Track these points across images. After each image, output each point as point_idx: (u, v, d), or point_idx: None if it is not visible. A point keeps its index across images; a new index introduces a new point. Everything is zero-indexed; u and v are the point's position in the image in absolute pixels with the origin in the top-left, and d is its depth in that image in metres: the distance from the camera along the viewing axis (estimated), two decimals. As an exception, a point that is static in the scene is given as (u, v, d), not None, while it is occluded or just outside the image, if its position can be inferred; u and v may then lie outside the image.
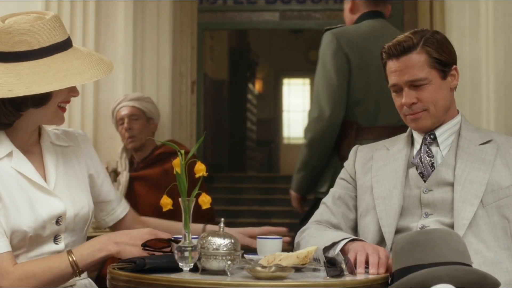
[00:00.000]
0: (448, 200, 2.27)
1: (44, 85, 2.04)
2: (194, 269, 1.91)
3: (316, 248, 2.06)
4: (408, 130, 2.47)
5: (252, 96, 14.36)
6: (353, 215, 2.44)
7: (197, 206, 1.98)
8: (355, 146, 2.57)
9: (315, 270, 2.07)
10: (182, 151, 1.99)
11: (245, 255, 2.14)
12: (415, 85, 2.31)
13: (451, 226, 2.24)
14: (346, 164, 2.54)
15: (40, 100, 2.10)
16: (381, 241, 2.29)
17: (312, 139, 3.49)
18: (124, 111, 4.05)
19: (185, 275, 1.87)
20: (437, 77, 2.32)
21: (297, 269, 1.98)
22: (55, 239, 2.16)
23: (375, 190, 2.37)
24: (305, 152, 3.54)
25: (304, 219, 3.43)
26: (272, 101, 15.65)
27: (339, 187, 2.50)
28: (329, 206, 2.46)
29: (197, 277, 1.86)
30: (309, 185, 3.64)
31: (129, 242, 2.07)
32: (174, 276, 1.85)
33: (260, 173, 13.48)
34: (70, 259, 2.04)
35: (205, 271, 1.91)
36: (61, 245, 2.15)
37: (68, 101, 2.19)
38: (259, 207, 10.08)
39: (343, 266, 1.95)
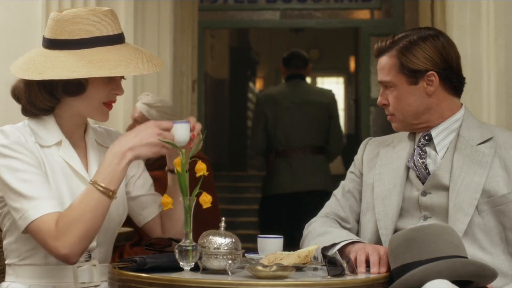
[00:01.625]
0: (444, 205, 2.25)
1: (70, 72, 2.06)
2: (195, 268, 1.90)
3: (317, 247, 2.06)
4: None
5: (253, 95, 14.34)
6: (360, 209, 2.44)
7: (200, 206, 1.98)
8: (366, 140, 2.53)
9: (315, 269, 2.07)
10: (183, 150, 1.98)
11: (245, 254, 2.14)
12: (385, 86, 2.33)
13: None
14: (355, 157, 2.52)
15: (72, 88, 2.11)
16: (378, 242, 2.28)
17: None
18: (134, 113, 4.04)
19: (186, 275, 1.87)
20: (404, 82, 2.29)
21: (298, 268, 1.98)
22: None
23: (375, 190, 2.36)
24: None
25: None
26: (273, 100, 15.61)
27: (349, 180, 2.49)
28: (339, 199, 2.46)
29: (198, 276, 1.86)
30: None
31: (142, 143, 2.05)
32: (175, 275, 1.85)
33: (261, 172, 13.46)
34: (100, 188, 2.02)
35: (206, 270, 1.91)
36: (93, 243, 2.14)
37: (112, 100, 2.18)
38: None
39: (344, 265, 1.95)
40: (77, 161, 2.16)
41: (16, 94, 2.19)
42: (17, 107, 3.59)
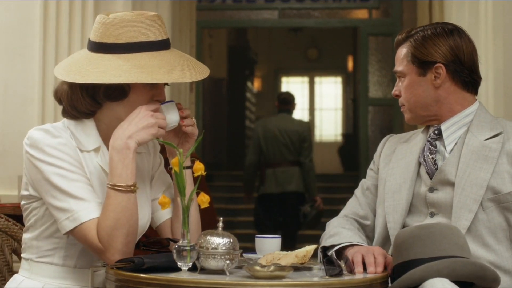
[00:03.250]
0: (450, 202, 2.23)
1: (112, 76, 2.05)
2: (193, 269, 1.90)
3: (315, 247, 2.06)
4: None
5: (251, 94, 14.35)
6: None
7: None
8: (386, 137, 2.53)
9: (311, 269, 2.06)
10: (181, 150, 1.98)
11: (243, 254, 2.14)
12: (399, 76, 2.37)
13: None
14: (375, 154, 2.52)
15: (115, 94, 2.10)
16: (388, 236, 2.28)
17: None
18: None
19: (184, 275, 1.86)
20: (413, 73, 2.32)
21: (296, 268, 1.97)
22: None
23: (387, 184, 2.35)
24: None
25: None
26: (271, 99, 15.63)
27: (368, 178, 2.49)
28: (358, 197, 2.46)
29: (196, 276, 1.85)
30: None
31: (138, 128, 2.05)
32: (172, 275, 1.85)
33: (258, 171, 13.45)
34: (121, 189, 2.02)
35: (203, 271, 1.90)
36: None
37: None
38: (258, 206, 10.05)
39: (342, 265, 1.95)
40: None
41: (58, 96, 2.17)
42: (17, 105, 3.61)
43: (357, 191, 2.49)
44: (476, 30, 3.97)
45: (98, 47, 2.12)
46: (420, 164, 2.32)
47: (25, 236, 2.18)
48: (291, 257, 1.98)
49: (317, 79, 15.83)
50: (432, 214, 2.27)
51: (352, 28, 10.93)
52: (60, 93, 2.17)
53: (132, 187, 2.03)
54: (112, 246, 1.99)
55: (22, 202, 2.17)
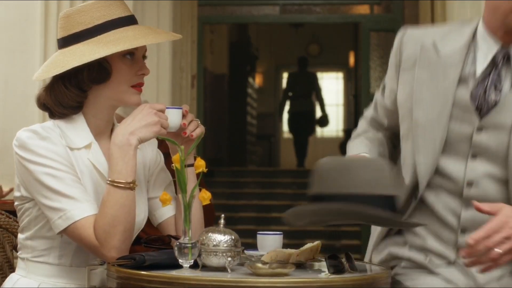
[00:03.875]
0: (503, 147, 1.95)
1: (91, 54, 2.04)
2: (194, 266, 1.90)
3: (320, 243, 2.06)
4: (474, 25, 2.04)
5: (252, 90, 14.34)
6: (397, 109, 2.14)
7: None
8: (401, 32, 2.16)
9: (315, 266, 2.06)
10: (182, 147, 1.97)
11: (245, 251, 2.13)
12: None
13: (503, 179, 1.99)
14: (390, 58, 2.18)
15: (98, 75, 2.09)
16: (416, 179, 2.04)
17: None
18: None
19: (185, 272, 1.86)
20: None
21: (298, 266, 1.97)
22: None
23: (414, 114, 2.03)
24: None
25: None
26: (272, 95, 15.64)
27: (381, 92, 2.25)
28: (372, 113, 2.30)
29: (197, 273, 1.84)
30: None
31: (141, 125, 2.03)
32: (174, 272, 1.84)
33: (260, 167, 13.47)
34: (120, 185, 2.01)
35: (205, 268, 1.89)
36: None
37: (140, 82, 2.15)
38: (259, 202, 10.07)
39: (344, 262, 1.94)
40: (105, 166, 2.12)
41: (42, 101, 2.16)
42: (17, 102, 3.59)
43: (367, 112, 2.30)
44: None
45: (69, 40, 2.12)
46: (458, 89, 1.97)
47: (20, 236, 2.18)
48: (306, 252, 2.00)
49: (319, 75, 15.83)
50: (474, 156, 1.99)
51: (353, 23, 10.92)
52: (42, 98, 2.16)
53: (131, 184, 2.02)
54: (109, 243, 1.98)
55: (16, 203, 2.17)
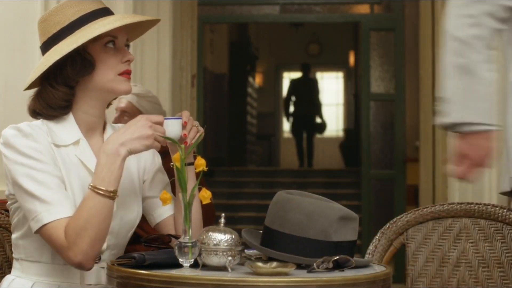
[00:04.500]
0: None
1: (70, 44, 2.05)
2: (195, 265, 1.89)
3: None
4: None
5: (252, 89, 14.35)
6: None
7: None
8: None
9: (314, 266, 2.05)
10: (182, 146, 1.96)
11: (245, 250, 2.12)
12: None
13: None
14: None
15: (81, 67, 2.09)
16: None
17: None
18: (121, 104, 3.93)
19: (185, 271, 1.85)
20: None
21: (299, 265, 1.96)
22: None
23: None
24: None
25: None
26: (272, 94, 15.65)
27: None
28: None
29: (198, 273, 1.83)
30: None
31: (133, 136, 2.00)
32: (174, 272, 1.83)
33: (260, 167, 13.47)
34: (100, 192, 1.98)
35: (205, 267, 1.89)
36: (103, 246, 2.10)
37: (127, 69, 2.13)
38: (259, 201, 10.06)
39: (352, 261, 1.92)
40: (93, 162, 2.10)
41: (32, 108, 2.16)
42: (17, 100, 3.58)
43: None
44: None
45: (49, 43, 2.13)
46: None
47: (12, 236, 2.17)
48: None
49: (319, 75, 15.84)
50: None
51: (353, 23, 10.91)
52: (32, 105, 2.15)
53: (112, 194, 1.99)
54: (77, 245, 1.95)
55: (8, 203, 2.16)
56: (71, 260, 1.97)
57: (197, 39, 5.79)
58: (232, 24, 12.36)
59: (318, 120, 13.48)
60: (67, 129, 2.12)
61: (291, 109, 13.14)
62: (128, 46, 2.19)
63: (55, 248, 2.00)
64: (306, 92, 12.97)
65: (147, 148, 2.03)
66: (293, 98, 13.08)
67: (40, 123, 2.12)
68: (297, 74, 15.09)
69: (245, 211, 9.80)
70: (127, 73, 2.14)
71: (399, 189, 7.38)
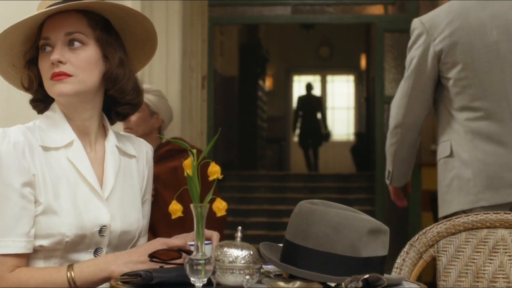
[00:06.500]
0: None
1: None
2: (208, 284, 1.70)
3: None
4: None
5: (263, 93, 14.28)
6: None
7: (210, 211, 1.76)
8: None
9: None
10: (194, 151, 1.76)
11: (263, 266, 1.93)
12: None
13: None
14: None
15: (29, 84, 2.03)
16: None
17: None
18: None
19: (198, 292, 1.67)
20: None
21: (324, 284, 1.77)
22: (96, 251, 1.98)
23: None
24: None
25: None
26: (283, 98, 15.58)
27: None
28: None
29: (211, 293, 1.65)
30: None
31: (139, 260, 1.86)
32: (184, 292, 1.66)
33: (271, 171, 13.39)
34: (69, 275, 1.86)
35: (220, 287, 1.70)
36: (102, 253, 1.98)
37: (53, 73, 1.95)
38: (270, 206, 9.96)
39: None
40: (86, 165, 1.97)
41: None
42: (20, 102, 3.42)
43: None
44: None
45: None
46: None
47: None
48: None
49: (329, 78, 15.76)
50: None
51: (365, 25, 10.78)
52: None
53: (73, 285, 1.85)
54: None
55: None
56: None
57: (207, 38, 5.64)
58: (242, 26, 12.27)
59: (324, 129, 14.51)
60: (60, 129, 1.99)
61: (298, 124, 14.24)
62: (74, 40, 1.97)
63: None
64: (311, 109, 14.05)
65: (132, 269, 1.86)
66: (300, 113, 14.11)
67: (32, 124, 2.00)
68: (307, 78, 15.06)
69: (256, 217, 9.66)
70: (55, 76, 1.95)
71: (415, 194, 7.22)
